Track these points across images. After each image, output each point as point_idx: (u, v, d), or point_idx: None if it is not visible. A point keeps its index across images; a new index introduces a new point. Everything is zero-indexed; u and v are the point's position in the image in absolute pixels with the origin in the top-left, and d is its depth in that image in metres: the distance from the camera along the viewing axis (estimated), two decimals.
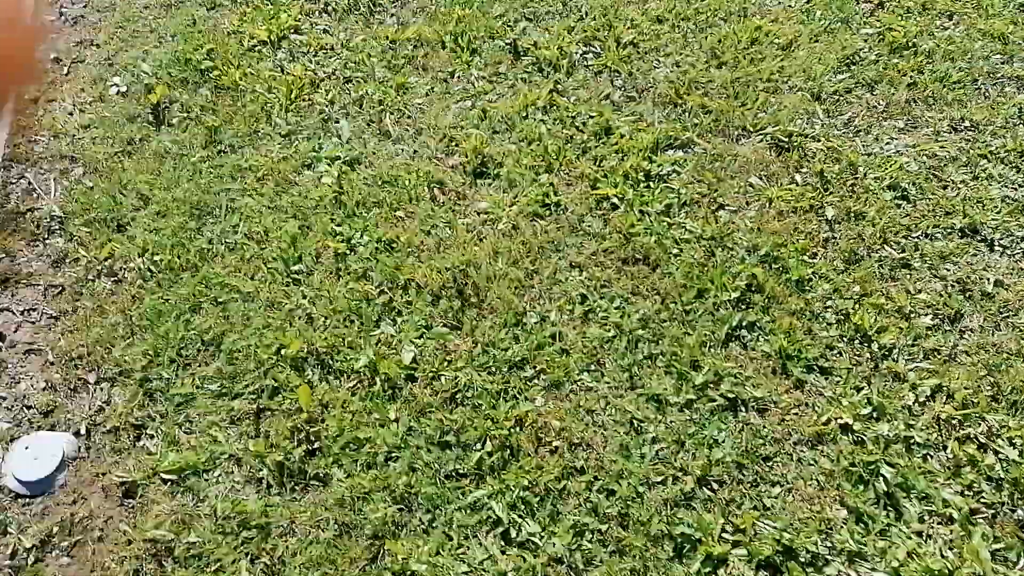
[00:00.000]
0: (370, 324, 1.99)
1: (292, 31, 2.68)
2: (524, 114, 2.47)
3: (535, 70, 2.61)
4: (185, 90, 2.49)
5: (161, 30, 2.66)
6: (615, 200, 2.22)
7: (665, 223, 2.15)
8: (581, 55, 2.64)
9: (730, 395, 1.83)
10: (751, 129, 2.37)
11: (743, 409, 1.82)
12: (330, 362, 1.92)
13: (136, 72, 2.54)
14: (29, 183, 2.27)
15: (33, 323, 2.02)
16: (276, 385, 1.87)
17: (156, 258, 2.10)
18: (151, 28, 2.67)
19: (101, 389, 1.90)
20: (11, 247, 2.13)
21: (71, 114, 2.44)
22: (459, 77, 2.60)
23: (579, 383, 1.87)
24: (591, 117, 2.45)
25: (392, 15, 2.78)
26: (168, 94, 2.47)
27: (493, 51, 2.66)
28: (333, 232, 2.17)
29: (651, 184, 2.25)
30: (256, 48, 2.63)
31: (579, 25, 2.72)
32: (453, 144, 2.40)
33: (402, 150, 2.39)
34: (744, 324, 1.94)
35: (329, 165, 2.32)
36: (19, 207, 2.21)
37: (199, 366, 1.92)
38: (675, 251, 2.09)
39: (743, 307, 1.98)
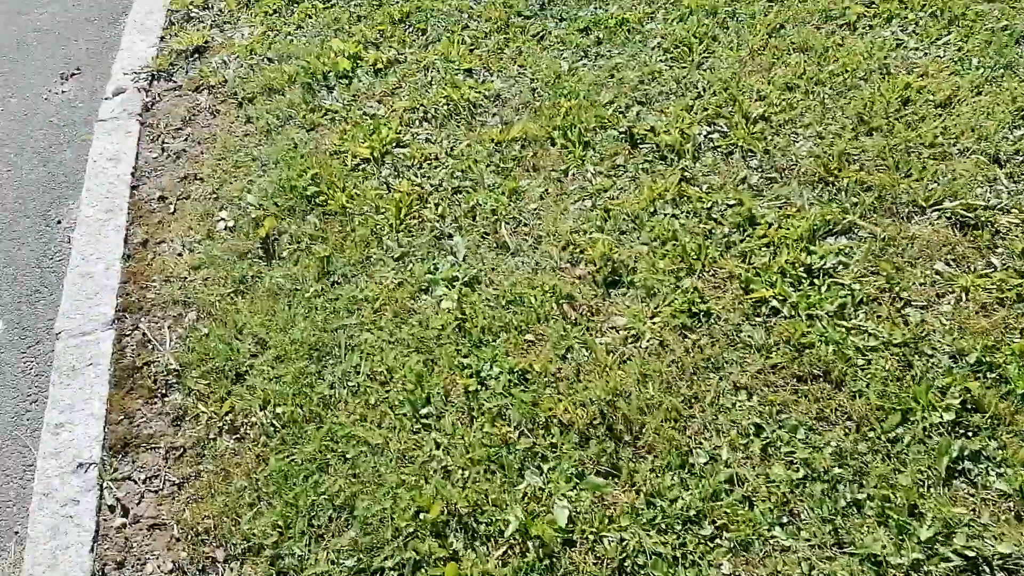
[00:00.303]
0: (513, 474, 1.75)
1: (395, 144, 2.57)
2: (652, 209, 2.24)
3: (656, 158, 2.39)
4: (293, 219, 2.39)
5: (263, 157, 2.60)
6: (775, 303, 1.93)
7: (841, 328, 1.84)
8: (706, 136, 2.41)
9: (968, 552, 1.48)
10: (924, 204, 2.05)
11: (987, 570, 1.47)
12: (474, 525, 1.69)
13: (242, 205, 2.47)
14: (143, 334, 2.19)
15: (156, 492, 1.89)
16: (418, 559, 1.65)
17: (278, 410, 1.95)
18: (253, 156, 2.61)
19: (231, 569, 1.73)
20: (129, 407, 2.03)
21: (180, 255, 2.38)
22: (574, 175, 2.40)
23: (772, 541, 1.57)
24: (729, 206, 2.19)
25: (494, 115, 2.64)
26: (276, 226, 2.37)
27: (607, 142, 2.46)
28: (460, 366, 1.97)
29: (815, 281, 1.96)
30: (360, 167, 2.52)
31: (698, 103, 2.49)
32: (577, 251, 2.19)
33: (523, 263, 2.19)
34: (967, 454, 1.60)
35: (447, 288, 2.15)
36: (135, 362, 2.12)
37: (333, 537, 1.73)
38: (860, 363, 1.78)
39: (961, 432, 1.64)
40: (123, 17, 3.47)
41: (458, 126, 2.62)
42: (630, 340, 1.97)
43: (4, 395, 2.19)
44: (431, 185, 2.44)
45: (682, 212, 2.22)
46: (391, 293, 2.16)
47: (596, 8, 2.92)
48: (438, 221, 2.34)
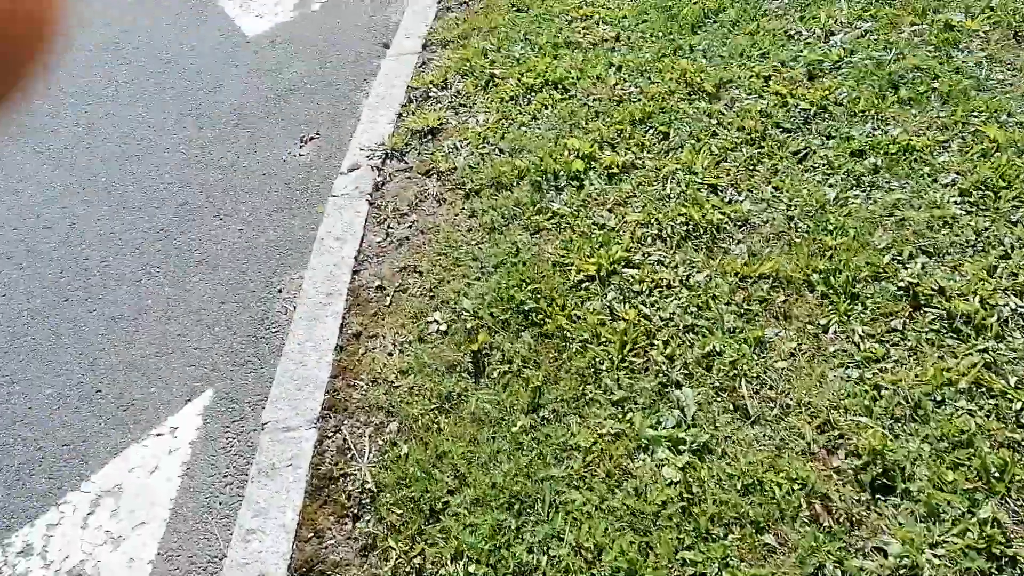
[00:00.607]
0: None
1: (623, 263, 2.34)
2: (938, 397, 1.82)
3: (946, 329, 1.96)
4: (506, 335, 2.23)
5: (484, 258, 2.48)
6: None
7: None
8: (1015, 311, 1.95)
9: None
10: None
11: None
12: None
13: (457, 309, 2.34)
14: (344, 440, 2.10)
15: None
16: None
17: (471, 568, 1.74)
18: (473, 255, 2.50)
19: None
20: (320, 524, 1.93)
21: (391, 354, 2.29)
22: (835, 333, 2.03)
23: None
24: None
25: (739, 242, 2.33)
26: (489, 340, 2.22)
27: (880, 298, 2.07)
28: (682, 560, 1.67)
29: None
30: (583, 284, 2.31)
31: (1005, 266, 2.03)
32: (836, 435, 1.82)
33: (765, 436, 1.86)
34: None
35: (671, 451, 1.86)
36: (332, 471, 2.03)
37: None
38: None
39: None
40: (365, 84, 3.58)
41: (696, 251, 2.34)
42: (902, 573, 1.56)
43: (203, 471, 2.19)
44: (660, 318, 2.18)
45: (980, 408, 1.78)
46: (606, 445, 1.91)
47: (873, 128, 2.53)
48: (665, 364, 2.06)
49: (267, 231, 2.94)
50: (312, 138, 3.38)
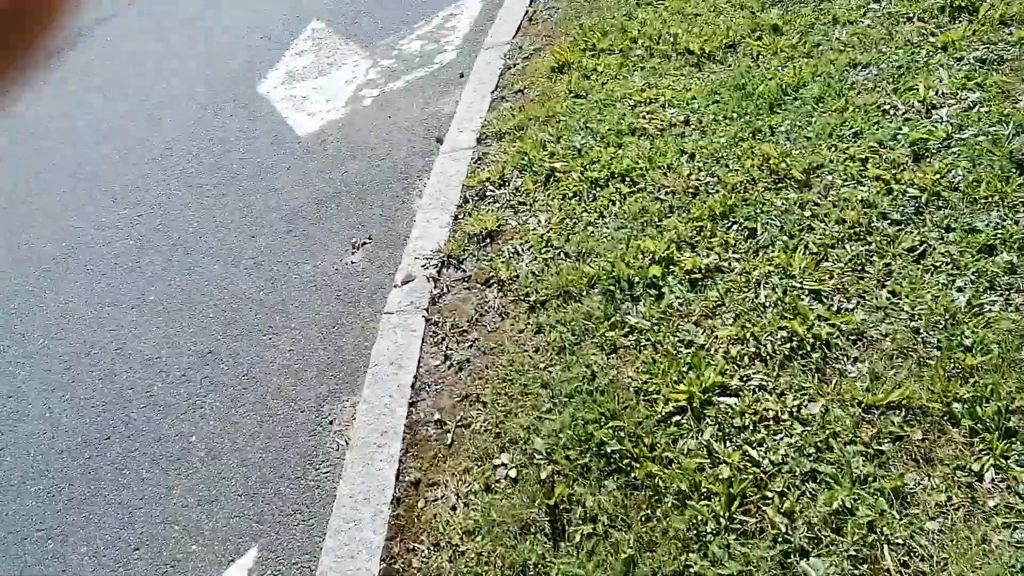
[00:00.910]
0: None
1: (718, 390, 2.01)
2: None
3: None
4: (587, 485, 1.91)
5: (555, 385, 2.19)
6: None
7: None
8: None
9: None
10: None
11: None
12: None
13: (528, 450, 2.05)
14: None
15: None
16: None
17: None
18: (543, 382, 2.21)
19: None
20: None
21: (454, 508, 2.00)
22: (994, 482, 1.65)
23: None
24: None
25: (856, 361, 1.98)
26: (568, 492, 1.91)
27: None
28: None
29: None
30: (672, 419, 1.99)
31: None
32: None
33: None
34: None
35: None
36: None
37: None
38: None
39: None
40: (418, 182, 3.40)
41: (805, 373, 2.00)
42: None
43: None
44: (771, 462, 1.83)
45: None
46: None
47: (1001, 217, 2.18)
48: (785, 524, 1.71)
49: (317, 351, 2.72)
50: (364, 243, 3.20)
